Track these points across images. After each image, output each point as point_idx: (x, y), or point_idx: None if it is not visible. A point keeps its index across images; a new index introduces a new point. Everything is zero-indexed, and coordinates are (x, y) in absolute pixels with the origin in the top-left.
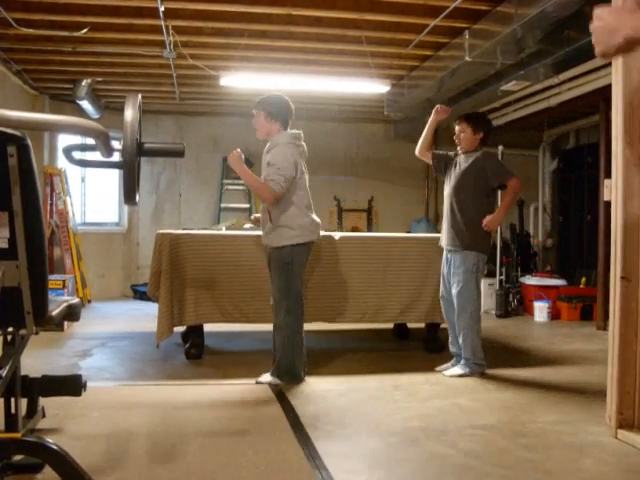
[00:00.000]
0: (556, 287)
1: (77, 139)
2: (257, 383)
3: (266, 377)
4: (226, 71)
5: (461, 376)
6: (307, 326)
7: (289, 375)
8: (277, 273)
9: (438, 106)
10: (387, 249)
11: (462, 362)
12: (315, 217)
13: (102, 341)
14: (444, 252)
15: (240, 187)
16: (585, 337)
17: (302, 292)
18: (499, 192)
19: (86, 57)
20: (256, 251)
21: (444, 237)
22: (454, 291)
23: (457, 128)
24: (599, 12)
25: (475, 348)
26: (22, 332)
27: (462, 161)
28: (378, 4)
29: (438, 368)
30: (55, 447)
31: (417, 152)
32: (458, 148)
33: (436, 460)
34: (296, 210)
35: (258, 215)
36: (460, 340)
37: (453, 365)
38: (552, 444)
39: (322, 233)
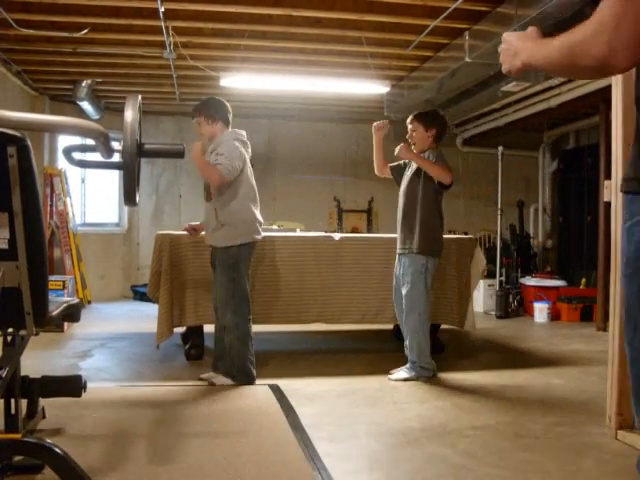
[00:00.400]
0: (556, 288)
1: (77, 140)
2: (210, 384)
3: (219, 378)
4: (226, 72)
5: (406, 380)
6: (308, 327)
7: (242, 375)
8: (223, 274)
9: (375, 124)
10: (387, 250)
11: (408, 365)
12: (259, 215)
13: (102, 342)
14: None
15: None
16: (585, 338)
17: (248, 292)
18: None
19: (86, 58)
20: (256, 252)
21: (397, 239)
22: (403, 292)
23: (409, 127)
24: (507, 36)
25: (422, 351)
26: (22, 333)
27: (414, 163)
28: (378, 5)
29: (392, 371)
30: (55, 448)
31: (377, 172)
32: (412, 148)
33: (436, 461)
34: (242, 207)
35: (194, 223)
36: (407, 342)
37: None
38: (552, 445)
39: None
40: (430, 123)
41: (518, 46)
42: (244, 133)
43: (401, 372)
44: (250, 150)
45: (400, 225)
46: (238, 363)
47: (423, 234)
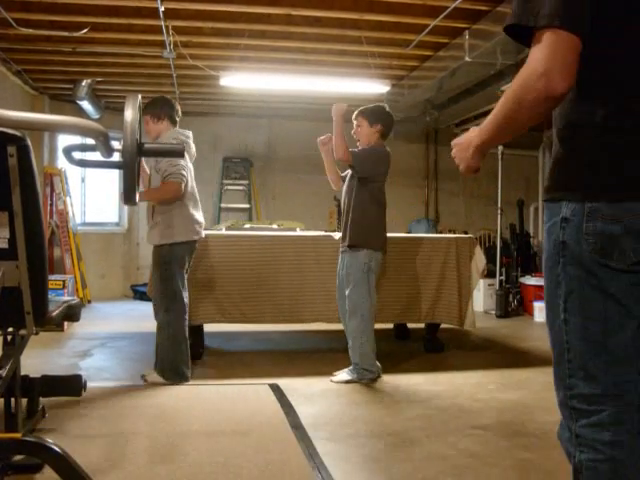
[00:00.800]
0: None
1: (77, 139)
2: (144, 381)
3: (152, 376)
4: (226, 71)
5: (347, 382)
6: (307, 327)
7: (173, 374)
8: (155, 272)
9: (319, 139)
10: (387, 249)
11: (351, 367)
12: (199, 216)
13: (102, 341)
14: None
15: (240, 187)
16: None
17: (181, 291)
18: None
19: (86, 57)
20: (256, 252)
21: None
22: (346, 292)
23: (354, 123)
24: (454, 141)
25: (365, 353)
26: (22, 332)
27: None
28: (377, 4)
29: (335, 373)
30: (55, 447)
31: (334, 187)
32: (357, 144)
33: (436, 460)
34: (177, 207)
35: None
36: (350, 343)
37: None
38: (552, 444)
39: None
40: (375, 119)
41: (467, 137)
42: (189, 133)
43: (343, 374)
44: (194, 150)
45: (342, 223)
46: (167, 362)
47: (357, 228)
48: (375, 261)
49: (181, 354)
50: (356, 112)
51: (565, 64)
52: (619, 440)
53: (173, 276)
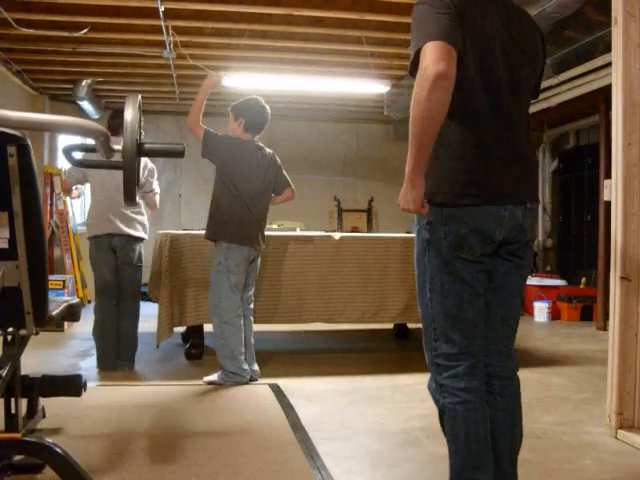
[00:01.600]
0: (556, 287)
1: (77, 139)
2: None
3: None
4: (226, 71)
5: (210, 383)
6: (307, 326)
7: (99, 360)
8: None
9: (212, 75)
10: (387, 249)
11: (220, 370)
12: (109, 214)
13: None
14: None
15: None
16: (585, 337)
17: (100, 284)
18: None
19: (86, 57)
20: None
21: None
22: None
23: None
24: (401, 191)
25: (227, 356)
26: (22, 332)
27: None
28: (378, 4)
29: (206, 377)
30: (55, 447)
31: (188, 125)
32: None
33: (436, 460)
34: (92, 204)
35: None
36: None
37: None
38: (552, 444)
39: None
40: (237, 113)
41: (404, 186)
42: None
43: (213, 376)
44: None
45: None
46: (97, 348)
47: (210, 220)
48: (233, 259)
49: (105, 340)
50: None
51: (438, 56)
52: (471, 387)
53: (94, 268)
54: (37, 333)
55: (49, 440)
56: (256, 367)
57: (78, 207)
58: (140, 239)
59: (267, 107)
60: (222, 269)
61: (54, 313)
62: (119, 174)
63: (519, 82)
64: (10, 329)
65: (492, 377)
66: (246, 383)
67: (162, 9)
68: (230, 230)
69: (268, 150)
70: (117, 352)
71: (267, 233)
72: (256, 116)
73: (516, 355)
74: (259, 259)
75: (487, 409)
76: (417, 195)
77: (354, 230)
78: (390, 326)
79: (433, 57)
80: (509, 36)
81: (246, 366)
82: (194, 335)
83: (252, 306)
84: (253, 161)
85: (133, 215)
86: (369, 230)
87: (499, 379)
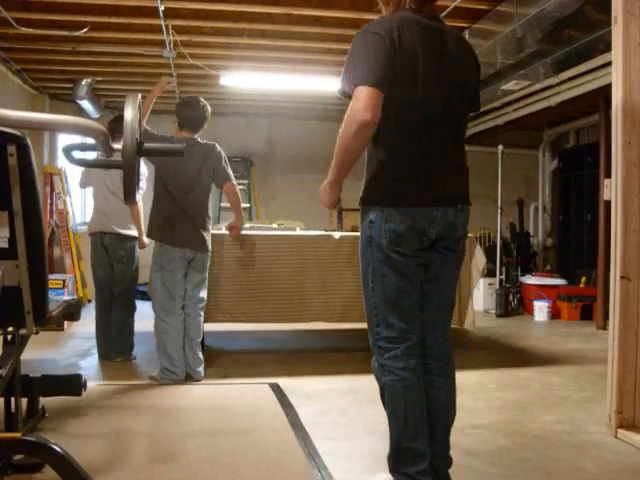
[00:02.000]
0: (556, 286)
1: (77, 139)
2: None
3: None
4: (226, 70)
5: (150, 378)
6: (307, 326)
7: (98, 352)
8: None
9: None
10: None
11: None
12: (103, 213)
13: None
14: None
15: (240, 187)
16: (585, 337)
17: (96, 279)
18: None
19: (86, 57)
20: (256, 251)
21: None
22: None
23: None
24: (321, 193)
25: (162, 352)
26: (22, 332)
27: None
28: (377, 3)
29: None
30: (55, 447)
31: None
32: None
33: None
34: (93, 204)
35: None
36: None
37: None
38: (552, 444)
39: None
40: (176, 113)
41: (324, 184)
42: None
43: (156, 372)
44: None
45: None
46: None
47: (149, 218)
48: (164, 258)
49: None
50: None
51: (368, 104)
52: (408, 366)
53: (92, 264)
54: (37, 332)
55: (49, 440)
56: (200, 369)
57: (78, 207)
58: (132, 237)
59: (203, 103)
60: (156, 268)
61: (54, 312)
62: (115, 175)
63: (450, 97)
64: (10, 328)
65: (429, 358)
66: (182, 382)
67: (162, 8)
68: (162, 230)
69: (207, 142)
70: (110, 344)
71: (267, 233)
72: (189, 113)
73: (451, 338)
74: (206, 259)
75: (423, 386)
76: (334, 198)
77: (354, 229)
78: None
79: (362, 104)
80: (440, 56)
81: (180, 364)
82: None
83: (201, 306)
84: (185, 158)
85: (127, 215)
86: None
87: (435, 360)
